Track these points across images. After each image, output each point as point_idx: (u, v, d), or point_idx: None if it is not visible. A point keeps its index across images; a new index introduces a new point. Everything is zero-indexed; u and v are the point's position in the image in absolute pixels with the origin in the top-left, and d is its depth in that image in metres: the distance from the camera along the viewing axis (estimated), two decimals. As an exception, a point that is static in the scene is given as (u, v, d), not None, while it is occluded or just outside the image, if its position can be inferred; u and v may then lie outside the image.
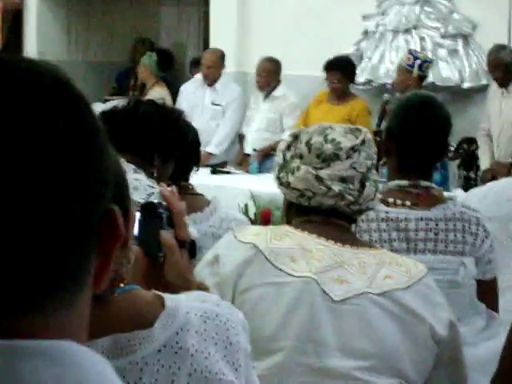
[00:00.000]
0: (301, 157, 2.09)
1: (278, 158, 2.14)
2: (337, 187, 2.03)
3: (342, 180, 2.04)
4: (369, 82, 7.91)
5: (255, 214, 4.67)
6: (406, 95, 3.01)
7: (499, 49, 6.39)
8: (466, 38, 7.64)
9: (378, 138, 3.51)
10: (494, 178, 5.28)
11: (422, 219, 2.54)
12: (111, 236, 0.80)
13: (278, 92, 7.45)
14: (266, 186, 4.86)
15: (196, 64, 8.39)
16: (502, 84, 6.35)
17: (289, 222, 2.15)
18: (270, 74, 7.42)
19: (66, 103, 0.78)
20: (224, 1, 8.73)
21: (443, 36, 7.67)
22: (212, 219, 2.93)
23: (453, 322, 2.08)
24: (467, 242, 2.55)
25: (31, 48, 9.45)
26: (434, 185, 2.63)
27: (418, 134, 2.58)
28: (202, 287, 1.56)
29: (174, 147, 2.69)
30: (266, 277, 2.01)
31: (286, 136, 2.21)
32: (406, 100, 2.76)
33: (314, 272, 2.00)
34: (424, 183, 2.58)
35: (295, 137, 2.14)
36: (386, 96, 6.80)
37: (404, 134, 2.60)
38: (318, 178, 2.04)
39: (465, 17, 7.66)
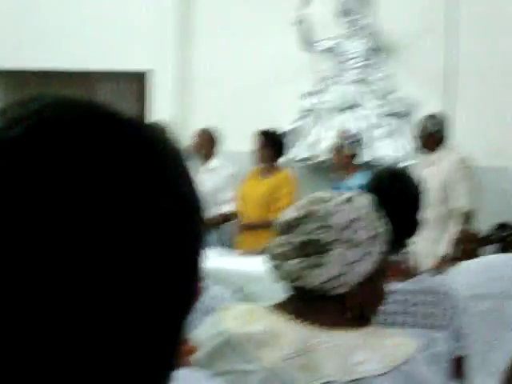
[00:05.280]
0: None
1: None
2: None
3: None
4: (307, 159, 7.96)
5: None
6: (377, 170, 2.99)
7: (429, 116, 6.61)
8: (404, 117, 7.77)
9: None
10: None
11: (391, 292, 2.49)
12: None
13: (212, 164, 7.42)
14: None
15: None
16: (426, 148, 6.55)
17: None
18: (202, 142, 7.39)
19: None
20: (162, 77, 8.76)
21: (382, 115, 7.78)
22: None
23: None
24: (444, 317, 2.51)
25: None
26: (404, 259, 2.59)
27: (389, 207, 2.53)
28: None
29: None
30: (232, 364, 1.91)
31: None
32: (376, 173, 2.74)
33: (278, 360, 1.86)
34: (394, 258, 2.54)
35: None
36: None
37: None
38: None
39: (403, 96, 7.80)
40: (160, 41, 8.75)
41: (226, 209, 7.25)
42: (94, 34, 9.00)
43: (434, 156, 6.43)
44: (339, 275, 1.88)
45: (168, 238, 0.66)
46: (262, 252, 6.46)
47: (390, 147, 7.73)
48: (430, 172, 6.33)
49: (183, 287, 0.69)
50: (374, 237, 1.92)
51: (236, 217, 7.21)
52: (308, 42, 8.01)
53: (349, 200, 1.94)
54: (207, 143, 7.43)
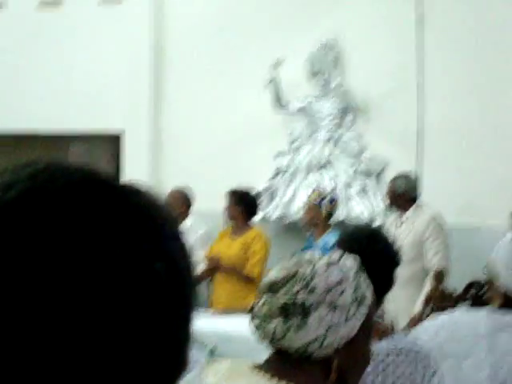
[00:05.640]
0: None
1: None
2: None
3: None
4: (281, 218, 7.98)
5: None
6: (349, 229, 2.97)
7: (397, 177, 6.66)
8: (376, 175, 7.84)
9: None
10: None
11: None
12: None
13: (186, 223, 7.41)
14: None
15: None
16: (396, 207, 6.59)
17: None
18: (176, 202, 7.39)
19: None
20: (134, 138, 8.80)
21: (354, 174, 7.84)
22: None
23: None
24: (416, 378, 2.51)
25: None
26: (381, 319, 2.60)
27: (367, 266, 2.53)
28: None
29: None
30: None
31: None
32: (352, 232, 2.74)
33: None
34: (372, 317, 2.54)
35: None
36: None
37: None
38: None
39: (375, 155, 7.88)
40: (132, 102, 8.79)
41: (201, 268, 7.21)
42: (66, 96, 9.01)
43: (406, 214, 6.49)
44: (321, 338, 1.86)
45: (161, 301, 0.68)
46: (236, 311, 6.41)
47: (363, 206, 7.77)
48: (402, 230, 6.39)
49: (174, 349, 0.70)
50: (359, 299, 1.91)
51: (210, 275, 7.20)
52: (280, 102, 8.08)
53: (335, 262, 1.93)
54: (181, 203, 7.42)
